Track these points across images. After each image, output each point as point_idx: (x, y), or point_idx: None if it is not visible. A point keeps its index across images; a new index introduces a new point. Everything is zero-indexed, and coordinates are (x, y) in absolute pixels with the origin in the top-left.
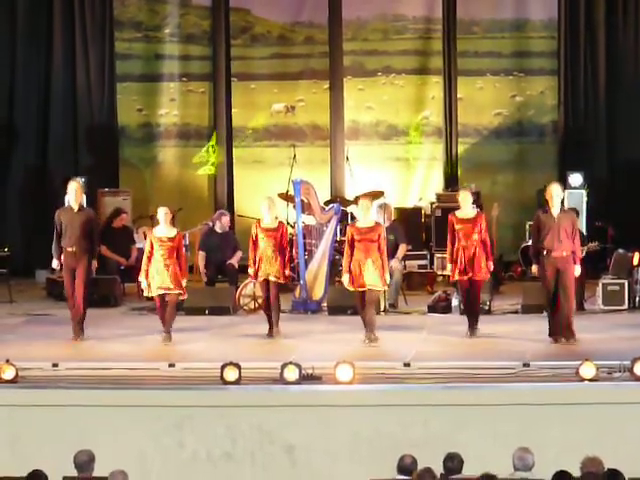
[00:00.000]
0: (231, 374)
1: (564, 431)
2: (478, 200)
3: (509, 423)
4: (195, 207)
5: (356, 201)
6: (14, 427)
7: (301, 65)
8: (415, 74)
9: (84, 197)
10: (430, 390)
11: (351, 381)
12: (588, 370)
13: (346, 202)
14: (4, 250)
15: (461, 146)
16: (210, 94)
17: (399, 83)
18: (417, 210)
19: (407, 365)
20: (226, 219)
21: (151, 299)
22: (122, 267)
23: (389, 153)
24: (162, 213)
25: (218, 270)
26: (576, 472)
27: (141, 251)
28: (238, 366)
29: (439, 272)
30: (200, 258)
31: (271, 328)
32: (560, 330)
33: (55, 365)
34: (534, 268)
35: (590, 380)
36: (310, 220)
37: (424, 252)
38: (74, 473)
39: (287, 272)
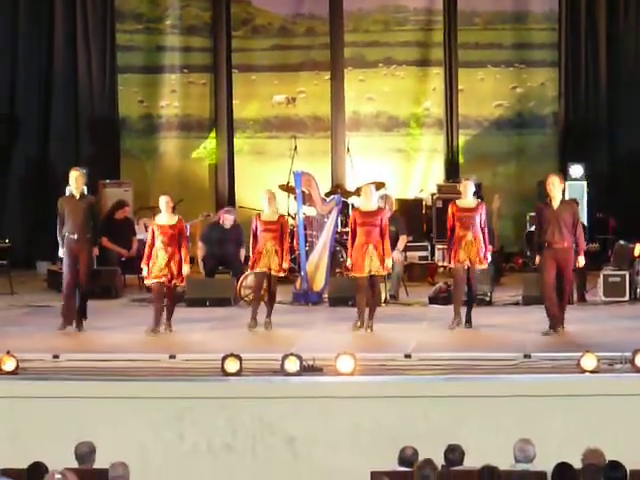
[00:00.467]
0: (232, 365)
1: (565, 423)
2: (479, 191)
3: (510, 415)
4: (196, 198)
5: (357, 192)
6: (15, 418)
7: (302, 56)
8: (416, 65)
9: (85, 186)
10: (431, 381)
11: (352, 372)
12: (589, 362)
13: (347, 192)
14: (5, 242)
15: (462, 137)
16: (211, 86)
17: (400, 74)
18: (418, 201)
19: (408, 356)
20: (229, 217)
21: (150, 290)
22: (123, 259)
23: (390, 144)
24: (163, 201)
25: (218, 261)
26: (577, 464)
27: (142, 242)
28: (239, 357)
29: (440, 263)
30: (199, 249)
31: (254, 320)
32: (557, 321)
33: (56, 356)
34: (538, 259)
35: (591, 372)
36: (311, 211)
37: (425, 243)
38: (75, 464)
39: (286, 265)
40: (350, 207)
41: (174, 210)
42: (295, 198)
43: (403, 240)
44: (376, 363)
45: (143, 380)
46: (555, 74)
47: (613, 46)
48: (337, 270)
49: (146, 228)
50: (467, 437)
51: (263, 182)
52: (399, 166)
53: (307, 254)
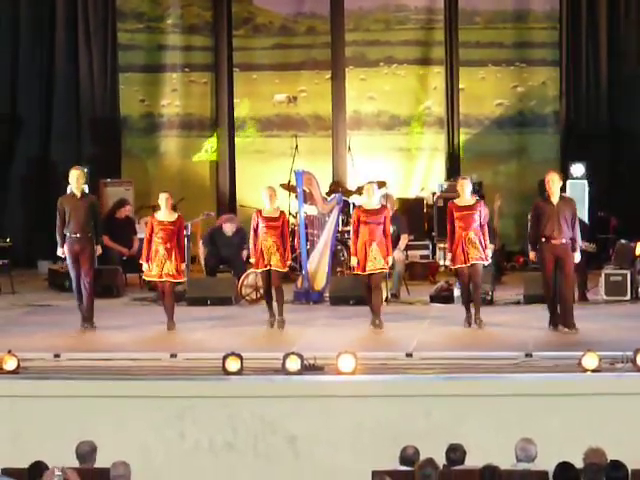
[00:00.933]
0: (233, 364)
1: (567, 422)
2: (480, 190)
3: (511, 414)
4: (197, 197)
5: (358, 191)
6: (16, 418)
7: (303, 55)
8: (417, 64)
9: (86, 189)
10: (432, 380)
11: (353, 371)
12: (591, 361)
13: (347, 191)
14: (6, 241)
15: (463, 136)
16: (212, 84)
17: (401, 73)
18: (419, 200)
19: (409, 355)
20: (230, 226)
21: (152, 288)
22: (124, 257)
23: (391, 143)
24: (163, 198)
25: (220, 261)
26: (579, 463)
27: (143, 241)
28: (240, 356)
29: (441, 262)
30: (201, 252)
31: (272, 317)
32: (560, 319)
33: (57, 356)
34: (532, 255)
35: (593, 371)
36: (312, 210)
37: (426, 242)
38: (76, 464)
39: (288, 262)
40: (351, 207)
41: (175, 209)
42: (296, 197)
43: (404, 239)
44: (377, 362)
45: (144, 379)
46: (556, 73)
47: (614, 45)
48: (338, 269)
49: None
50: (468, 436)
51: (264, 181)
52: (400, 165)
53: (308, 253)
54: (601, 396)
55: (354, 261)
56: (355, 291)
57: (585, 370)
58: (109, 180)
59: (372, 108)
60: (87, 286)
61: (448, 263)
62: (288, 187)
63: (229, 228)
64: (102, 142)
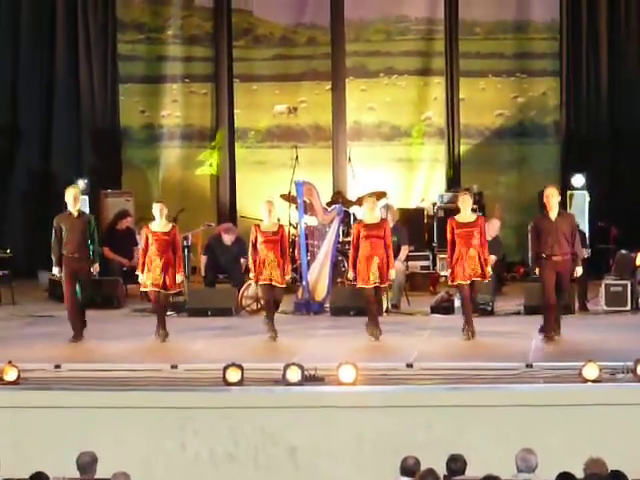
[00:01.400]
0: (233, 375)
1: (567, 432)
2: (480, 201)
3: (512, 424)
4: (198, 208)
5: (358, 202)
6: (17, 428)
7: (303, 66)
8: (417, 75)
9: (86, 200)
10: (433, 391)
11: (354, 382)
12: (591, 371)
13: (348, 202)
14: (7, 252)
15: (463, 147)
16: (212, 95)
17: (401, 84)
18: (419, 211)
19: (410, 366)
20: (228, 236)
21: (150, 300)
22: (125, 269)
23: (391, 154)
24: (157, 208)
25: (219, 271)
26: (579, 473)
27: None
28: (241, 367)
29: (442, 273)
30: (202, 262)
31: (274, 330)
32: (554, 330)
33: (57, 366)
34: (537, 271)
35: (593, 381)
36: (312, 221)
37: (427, 253)
38: (77, 475)
39: (287, 276)
40: (352, 218)
41: (175, 220)
42: (296, 208)
43: (405, 250)
44: (378, 373)
45: (145, 390)
46: (556, 83)
47: (614, 55)
48: (339, 280)
49: None
50: (469, 447)
51: (264, 192)
52: (400, 176)
53: (309, 264)
54: (602, 406)
55: (351, 275)
56: (356, 302)
57: (586, 380)
58: (109, 191)
59: (372, 119)
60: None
61: (450, 282)
62: (288, 198)
63: (228, 238)
64: (102, 153)
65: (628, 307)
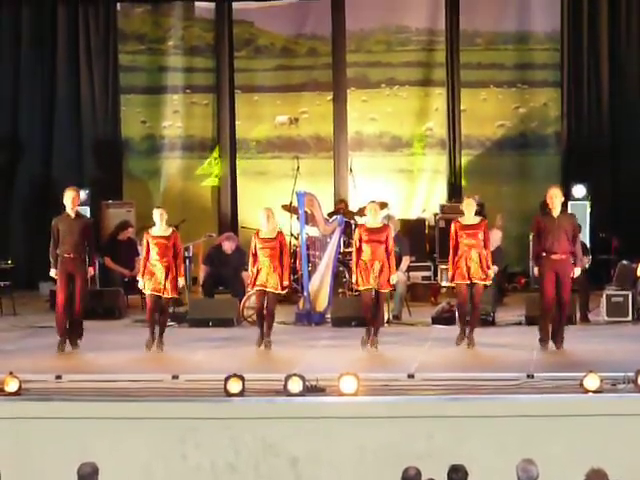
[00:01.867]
0: (235, 386)
1: (568, 443)
2: (482, 212)
3: (513, 435)
4: (199, 219)
5: (360, 213)
6: (18, 439)
7: (304, 77)
8: (418, 86)
9: (87, 210)
10: (434, 402)
11: (355, 393)
12: (592, 382)
13: (349, 212)
14: (8, 262)
15: (464, 157)
16: (214, 106)
17: (402, 95)
18: (421, 221)
19: (411, 377)
20: (229, 244)
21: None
22: (126, 279)
23: (393, 164)
24: (157, 214)
25: (218, 281)
26: None
27: None
28: (242, 378)
29: (443, 283)
30: (202, 272)
31: (261, 338)
32: (550, 336)
33: (59, 377)
34: (537, 271)
35: (594, 392)
36: (314, 232)
37: (428, 263)
38: None
39: (286, 283)
40: (353, 227)
41: (177, 229)
42: (298, 218)
43: (406, 261)
44: (379, 383)
45: (146, 401)
46: (557, 94)
47: (615, 66)
48: (340, 290)
49: None
50: (470, 457)
51: (266, 202)
52: (402, 186)
53: (310, 274)
54: (603, 417)
55: (354, 278)
56: (357, 312)
57: (587, 391)
58: (111, 202)
59: (374, 129)
60: (77, 307)
61: (447, 284)
62: (290, 208)
63: (228, 246)
64: (104, 164)
65: (629, 318)
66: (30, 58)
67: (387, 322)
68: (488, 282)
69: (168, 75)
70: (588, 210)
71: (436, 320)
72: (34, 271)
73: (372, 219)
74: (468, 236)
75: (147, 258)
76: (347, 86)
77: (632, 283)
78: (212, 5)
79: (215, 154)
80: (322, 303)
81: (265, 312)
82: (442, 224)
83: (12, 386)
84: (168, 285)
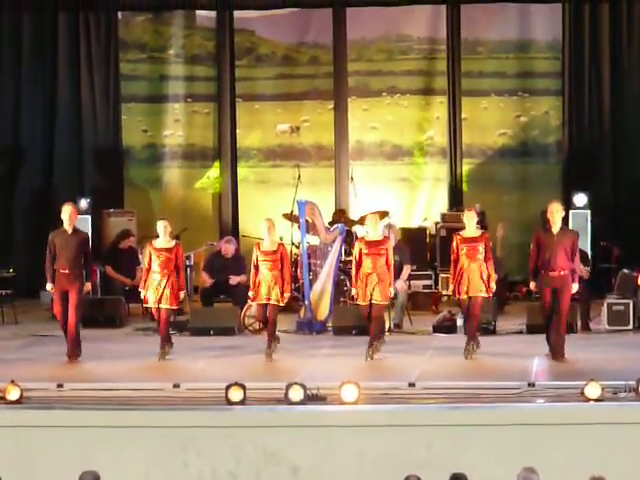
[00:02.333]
0: (236, 394)
1: (569, 451)
2: (483, 220)
3: (514, 443)
4: (200, 228)
5: (360, 221)
6: (19, 448)
7: (306, 85)
8: (419, 94)
9: (88, 219)
10: (435, 410)
11: (356, 401)
12: (593, 390)
13: (350, 221)
14: (9, 271)
15: (465, 166)
16: (215, 115)
17: (403, 103)
18: (422, 230)
19: (412, 385)
20: (229, 247)
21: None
22: (127, 288)
23: (394, 173)
24: (161, 226)
25: (218, 290)
26: None
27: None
28: (243, 386)
29: (444, 292)
30: (203, 279)
31: (269, 347)
32: (551, 348)
33: (60, 386)
34: (532, 285)
35: (595, 400)
36: (315, 240)
37: (429, 272)
38: None
39: (286, 295)
40: (354, 236)
41: (178, 238)
42: (299, 227)
43: (407, 270)
44: (380, 392)
45: (147, 409)
46: (559, 103)
47: (617, 75)
48: (341, 299)
49: None
50: (471, 466)
51: (267, 211)
52: (403, 195)
53: (311, 283)
54: (604, 425)
55: (354, 292)
56: (358, 321)
57: (588, 399)
58: (112, 210)
59: (375, 138)
60: (71, 322)
61: (453, 295)
62: (291, 217)
63: (227, 249)
64: (105, 172)
65: (630, 326)
66: (31, 66)
67: (388, 331)
68: (489, 294)
69: (169, 84)
70: (589, 219)
71: (437, 329)
72: (35, 280)
73: (372, 231)
74: (469, 249)
75: (149, 269)
76: (348, 95)
77: (633, 292)
78: (213, 14)
79: (216, 165)
80: (323, 312)
81: (269, 324)
82: (443, 233)
83: (13, 394)
84: (169, 297)
